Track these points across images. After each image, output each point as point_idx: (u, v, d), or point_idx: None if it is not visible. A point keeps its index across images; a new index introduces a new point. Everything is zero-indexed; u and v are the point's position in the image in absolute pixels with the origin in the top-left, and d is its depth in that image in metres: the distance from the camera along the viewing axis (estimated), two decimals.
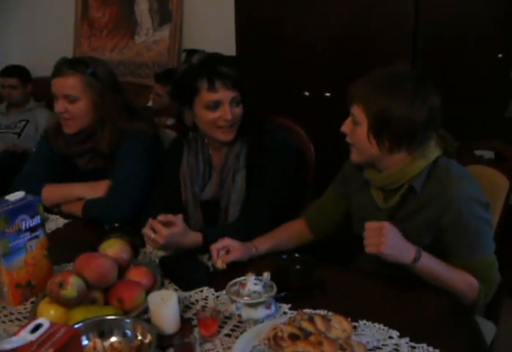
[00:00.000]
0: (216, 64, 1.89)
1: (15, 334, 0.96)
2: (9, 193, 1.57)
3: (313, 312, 1.43)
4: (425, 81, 1.62)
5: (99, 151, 2.18)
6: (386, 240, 1.50)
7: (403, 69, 1.72)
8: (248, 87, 1.97)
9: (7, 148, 3.83)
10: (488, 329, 1.76)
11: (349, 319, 1.37)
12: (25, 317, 1.50)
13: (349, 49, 2.98)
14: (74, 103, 2.12)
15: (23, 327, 0.98)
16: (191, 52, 3.86)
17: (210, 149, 2.05)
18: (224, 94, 1.88)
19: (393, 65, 1.71)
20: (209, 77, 1.87)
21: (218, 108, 1.89)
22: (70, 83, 2.10)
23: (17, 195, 1.55)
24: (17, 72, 4.20)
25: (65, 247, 1.82)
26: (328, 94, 3.01)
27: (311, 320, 1.34)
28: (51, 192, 2.14)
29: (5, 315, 1.53)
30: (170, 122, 2.98)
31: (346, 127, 1.68)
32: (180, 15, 4.08)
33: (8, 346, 0.90)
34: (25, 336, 0.93)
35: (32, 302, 1.56)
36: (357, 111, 1.62)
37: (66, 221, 2.12)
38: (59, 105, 2.13)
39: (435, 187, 1.61)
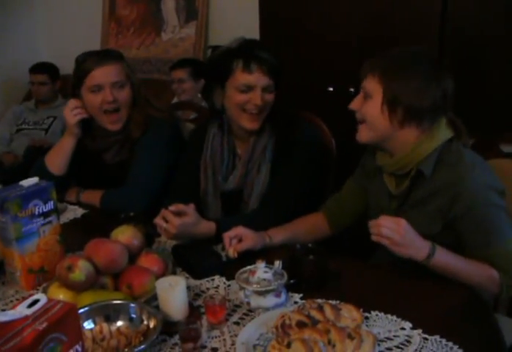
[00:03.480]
0: (255, 48, 1.89)
1: (12, 308, 0.97)
2: None
3: (323, 301, 1.41)
4: (442, 64, 1.62)
5: (126, 140, 2.19)
6: (398, 237, 1.47)
7: (421, 48, 1.69)
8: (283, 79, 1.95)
9: (33, 143, 3.87)
10: (510, 328, 1.70)
11: (361, 309, 1.35)
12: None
13: (373, 44, 2.94)
14: (121, 90, 2.15)
15: (19, 302, 0.98)
16: (216, 49, 3.88)
17: (236, 139, 2.03)
18: (259, 78, 1.87)
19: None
20: (246, 59, 1.86)
21: (249, 92, 1.88)
22: (115, 70, 2.14)
23: (30, 181, 1.56)
24: (47, 69, 4.26)
25: (81, 235, 1.82)
26: (352, 90, 2.98)
27: (320, 308, 1.32)
28: None
29: (17, 299, 1.54)
30: (192, 116, 2.97)
31: (356, 103, 1.67)
32: (205, 12, 4.09)
33: (3, 319, 0.90)
34: (21, 310, 0.93)
35: (45, 287, 1.57)
36: (372, 82, 1.61)
37: (84, 211, 2.13)
38: (108, 94, 2.12)
39: (446, 173, 1.57)
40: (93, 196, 2.15)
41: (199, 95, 3.63)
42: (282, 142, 1.94)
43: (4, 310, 1.48)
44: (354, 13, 2.97)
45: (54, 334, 0.90)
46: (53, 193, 1.58)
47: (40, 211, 1.54)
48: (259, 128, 1.94)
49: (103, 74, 2.12)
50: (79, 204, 2.19)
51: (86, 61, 2.17)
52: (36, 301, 0.95)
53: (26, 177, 2.96)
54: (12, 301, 1.53)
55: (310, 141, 1.98)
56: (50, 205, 1.56)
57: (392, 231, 1.47)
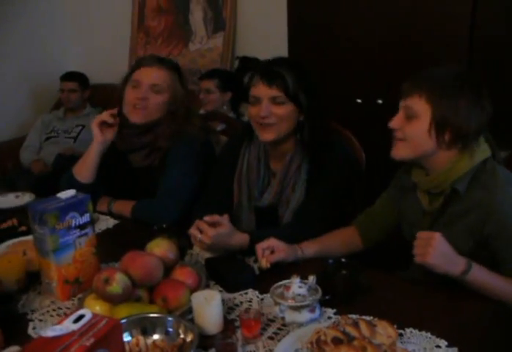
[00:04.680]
0: (269, 63, 1.93)
1: (58, 323, 0.98)
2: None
3: (358, 317, 1.40)
4: (484, 87, 1.61)
5: (155, 147, 2.22)
6: (433, 250, 1.48)
7: (465, 70, 1.69)
8: (311, 95, 1.94)
9: (63, 152, 3.91)
10: None
11: (395, 326, 1.34)
12: (72, 312, 1.53)
13: (403, 56, 2.94)
14: (157, 94, 2.19)
15: (65, 317, 1.00)
16: (244, 59, 3.91)
17: (271, 156, 2.04)
18: (264, 90, 1.89)
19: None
20: (255, 72, 1.92)
21: (257, 104, 1.91)
22: (160, 75, 2.20)
23: (68, 193, 1.58)
24: (77, 77, 4.32)
25: (114, 247, 1.85)
26: (380, 102, 2.98)
27: (355, 324, 1.32)
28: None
29: (53, 310, 1.56)
30: (220, 127, 2.99)
31: (397, 123, 1.64)
32: (233, 22, 4.12)
33: (51, 333, 0.92)
34: (68, 325, 0.94)
35: (80, 298, 1.59)
36: (418, 103, 1.59)
37: (116, 221, 2.15)
38: (142, 92, 2.17)
39: (479, 192, 1.57)
40: (124, 207, 2.17)
41: (225, 107, 3.66)
42: (317, 161, 1.95)
43: (41, 320, 1.51)
44: (383, 24, 2.97)
45: (100, 349, 0.92)
46: (90, 205, 1.60)
47: (77, 223, 1.56)
48: (273, 140, 1.94)
49: (147, 73, 2.20)
50: (110, 214, 2.21)
51: (142, 60, 2.29)
52: (81, 317, 0.96)
53: (54, 186, 3.01)
54: (48, 311, 1.55)
55: (345, 159, 1.98)
56: (86, 218, 1.58)
57: (424, 247, 1.48)
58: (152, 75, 2.20)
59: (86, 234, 1.60)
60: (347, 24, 3.09)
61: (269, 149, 2.02)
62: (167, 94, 2.20)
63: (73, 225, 1.55)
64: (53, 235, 1.51)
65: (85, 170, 2.23)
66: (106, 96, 4.34)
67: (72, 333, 0.93)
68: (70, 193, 1.58)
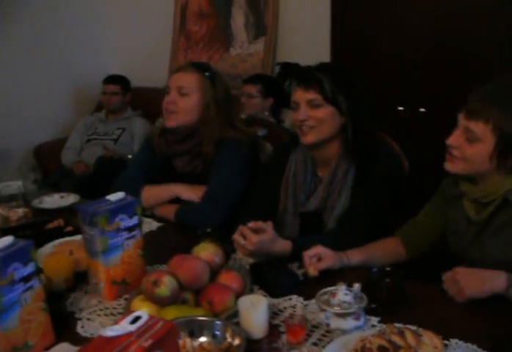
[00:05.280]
0: (304, 68, 1.97)
1: (115, 323, 1.00)
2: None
3: (403, 326, 1.40)
4: None
5: (198, 153, 2.25)
6: (464, 284, 1.50)
7: None
8: (352, 98, 1.95)
9: (105, 154, 3.98)
10: None
11: (440, 336, 1.34)
12: (119, 313, 1.56)
13: (445, 64, 2.92)
14: (184, 97, 2.21)
15: (122, 318, 1.02)
16: (284, 65, 3.91)
17: (318, 161, 2.05)
18: (300, 95, 1.91)
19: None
20: (291, 78, 1.96)
21: (297, 109, 1.93)
22: (186, 78, 2.23)
23: (117, 195, 1.61)
24: (119, 80, 4.39)
25: (158, 249, 1.88)
26: (423, 110, 2.97)
27: (401, 333, 1.32)
28: (150, 193, 2.22)
29: (100, 309, 1.59)
30: (262, 132, 3.01)
31: (456, 141, 1.60)
32: (275, 28, 4.14)
33: (110, 333, 0.94)
34: (125, 326, 0.96)
35: (126, 299, 1.62)
36: (483, 129, 1.53)
37: (159, 224, 2.18)
38: (170, 96, 2.23)
39: None
40: (168, 210, 2.20)
41: (266, 113, 3.67)
42: (364, 168, 1.95)
43: (88, 319, 1.54)
44: (426, 31, 2.96)
45: (156, 351, 0.94)
46: (139, 208, 1.63)
47: (126, 225, 1.59)
48: (314, 142, 1.95)
49: (176, 78, 2.26)
50: (154, 216, 2.25)
51: (178, 67, 2.36)
52: (137, 318, 0.98)
53: (96, 187, 3.06)
54: (95, 311, 1.58)
55: (392, 167, 1.98)
56: (134, 220, 1.62)
57: (454, 286, 1.52)
58: (180, 79, 2.25)
59: (134, 236, 1.62)
60: (391, 31, 3.09)
61: (314, 154, 2.03)
62: (195, 96, 2.22)
63: (122, 227, 1.58)
64: (103, 236, 1.54)
65: (153, 200, 2.25)
66: (147, 99, 4.41)
67: (130, 334, 0.95)
68: (120, 195, 1.61)
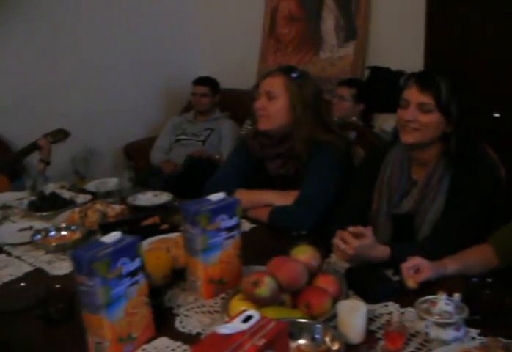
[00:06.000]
0: (425, 69, 1.92)
1: (227, 321, 1.03)
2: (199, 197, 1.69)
3: (509, 341, 1.36)
4: None
5: (291, 156, 2.26)
6: None
7: None
8: (463, 108, 1.91)
9: (193, 154, 4.05)
10: None
11: None
12: (216, 311, 1.59)
13: None
14: (272, 101, 2.24)
15: (234, 316, 1.05)
16: (375, 69, 3.89)
17: (414, 164, 2.02)
18: (413, 95, 1.87)
19: None
20: (411, 75, 1.93)
21: (405, 107, 1.90)
22: (273, 82, 2.26)
23: (218, 195, 1.64)
24: (209, 81, 4.47)
25: (251, 250, 1.89)
26: None
27: (507, 349, 1.28)
28: (242, 197, 2.24)
29: (197, 307, 1.63)
30: (351, 135, 3.00)
31: None
32: (365, 31, 4.11)
33: (224, 331, 0.96)
34: (237, 324, 0.98)
35: (222, 298, 1.65)
36: None
37: (252, 225, 2.20)
38: (259, 102, 2.26)
39: None
40: (261, 212, 2.22)
41: (354, 118, 3.65)
42: (461, 173, 1.91)
43: (186, 316, 1.58)
44: None
45: (268, 350, 0.95)
46: (239, 209, 1.65)
47: (226, 225, 1.62)
48: (413, 144, 1.92)
49: (263, 83, 2.29)
50: (246, 217, 2.27)
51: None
52: (249, 317, 1.00)
53: (184, 186, 3.12)
54: (192, 308, 1.62)
55: (489, 174, 1.93)
56: (234, 220, 1.64)
57: None
58: (267, 83, 2.27)
59: (233, 236, 1.65)
60: (488, 37, 3.03)
61: (411, 154, 2.00)
62: (282, 98, 2.23)
63: (222, 227, 1.61)
64: (204, 235, 1.58)
65: (244, 204, 2.17)
66: (235, 101, 4.48)
67: (243, 332, 0.97)
68: (220, 195, 1.65)
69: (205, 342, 0.97)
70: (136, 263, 1.38)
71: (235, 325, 0.99)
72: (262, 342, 0.94)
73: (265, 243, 2.05)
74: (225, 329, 0.97)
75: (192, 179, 3.59)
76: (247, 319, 1.00)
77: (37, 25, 4.09)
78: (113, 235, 1.39)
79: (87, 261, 1.28)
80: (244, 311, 1.03)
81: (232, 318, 1.03)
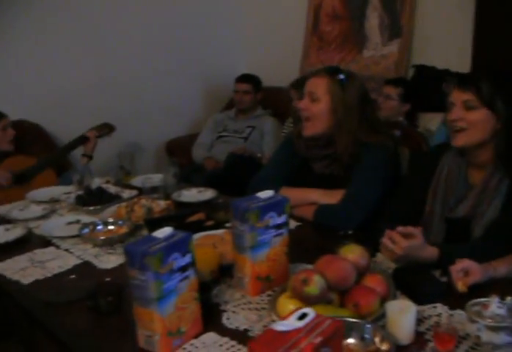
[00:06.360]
0: (464, 73, 1.90)
1: (283, 318, 1.03)
2: (244, 194, 1.69)
3: None
4: None
5: (337, 158, 2.25)
6: None
7: None
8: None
9: (235, 151, 4.07)
10: None
11: None
12: (263, 308, 1.60)
13: None
14: (315, 102, 2.23)
15: (290, 313, 1.05)
16: (420, 68, 3.83)
17: (470, 168, 1.98)
18: (456, 95, 1.86)
19: None
20: (450, 81, 1.90)
21: (451, 109, 1.88)
22: (316, 83, 2.25)
23: (267, 193, 1.65)
24: (251, 79, 4.48)
25: (297, 248, 1.90)
26: None
27: None
28: (287, 195, 2.24)
29: (244, 303, 1.64)
30: (396, 134, 2.97)
31: None
32: (410, 29, 4.06)
33: (281, 328, 0.97)
34: (293, 322, 0.99)
35: (269, 295, 1.66)
36: None
37: (297, 223, 2.20)
38: (302, 102, 2.27)
39: None
40: (306, 210, 2.22)
41: (400, 118, 3.62)
42: None
43: (233, 312, 1.59)
44: None
45: (324, 348, 0.96)
46: (288, 206, 1.66)
47: (274, 223, 1.63)
48: (463, 146, 1.89)
49: (308, 84, 2.29)
50: (291, 215, 2.27)
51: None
52: (304, 315, 1.00)
53: (226, 183, 3.13)
54: (239, 304, 1.63)
55: None
56: (283, 218, 1.65)
57: None
58: (311, 84, 2.27)
59: (281, 234, 1.66)
60: None
61: (467, 158, 1.97)
62: (324, 102, 2.22)
63: (271, 224, 1.62)
64: (253, 232, 1.58)
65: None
66: (277, 99, 4.48)
67: (299, 329, 0.97)
68: (269, 193, 1.65)
69: (262, 338, 0.98)
70: (187, 259, 1.40)
71: (291, 323, 0.99)
72: (318, 339, 0.94)
73: (310, 241, 2.05)
74: (281, 326, 0.97)
75: (234, 176, 3.62)
76: (302, 316, 1.00)
77: (85, 23, 4.16)
78: (164, 230, 1.41)
79: (140, 255, 1.30)
80: (298, 308, 1.03)
81: (287, 316, 1.03)
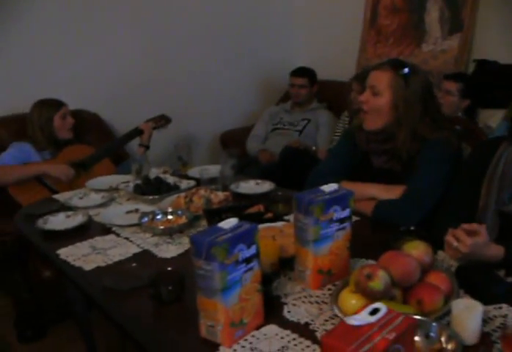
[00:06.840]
0: None
1: (355, 313, 1.03)
2: (304, 187, 1.68)
3: None
4: None
5: (396, 154, 2.22)
6: None
7: None
8: None
9: (291, 144, 4.06)
10: None
11: None
12: (323, 302, 1.59)
13: None
14: (375, 96, 2.21)
15: (361, 308, 1.05)
16: (481, 62, 3.74)
17: None
18: None
19: None
20: None
21: None
22: (379, 76, 2.21)
23: (331, 186, 1.64)
24: (307, 73, 4.46)
25: (356, 243, 1.88)
26: None
27: None
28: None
29: (305, 297, 1.63)
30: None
31: None
32: (472, 23, 3.97)
33: (354, 322, 0.96)
34: (365, 316, 0.98)
35: (329, 289, 1.65)
36: None
37: (355, 218, 2.18)
38: (363, 95, 2.25)
39: None
40: (366, 205, 2.20)
41: (460, 114, 3.55)
42: None
43: (294, 305, 1.59)
44: None
45: (397, 345, 0.95)
46: (351, 201, 1.64)
47: (338, 217, 1.62)
48: None
49: (370, 76, 2.25)
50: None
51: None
52: (376, 310, 1.00)
53: (280, 175, 3.13)
54: (300, 298, 1.63)
55: None
56: (346, 212, 1.64)
57: None
58: (373, 77, 2.23)
59: (344, 228, 1.65)
60: None
61: None
62: (385, 97, 2.19)
63: (335, 218, 1.61)
64: (316, 225, 1.58)
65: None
66: (333, 92, 4.45)
67: (372, 324, 0.97)
68: (334, 186, 1.64)
69: (335, 332, 0.98)
70: (252, 250, 1.40)
71: (364, 317, 0.99)
72: (392, 335, 0.93)
73: (369, 236, 2.04)
74: (354, 320, 0.97)
75: (289, 169, 3.61)
76: (374, 312, 1.00)
77: (146, 15, 4.22)
78: (230, 221, 1.42)
79: (207, 246, 1.31)
80: (365, 304, 1.03)
81: (358, 310, 1.03)
